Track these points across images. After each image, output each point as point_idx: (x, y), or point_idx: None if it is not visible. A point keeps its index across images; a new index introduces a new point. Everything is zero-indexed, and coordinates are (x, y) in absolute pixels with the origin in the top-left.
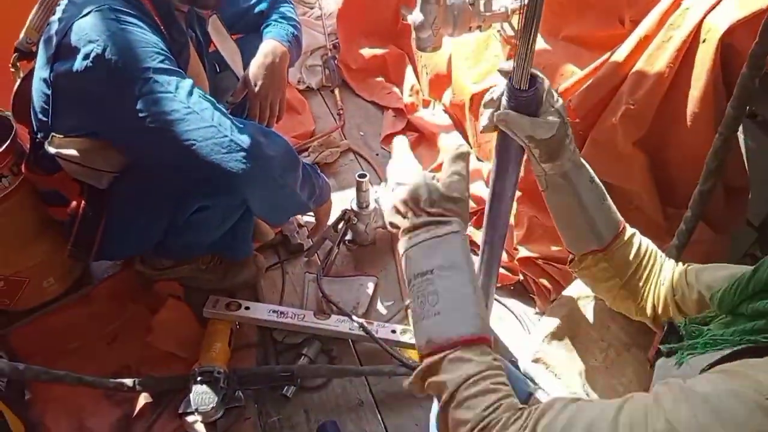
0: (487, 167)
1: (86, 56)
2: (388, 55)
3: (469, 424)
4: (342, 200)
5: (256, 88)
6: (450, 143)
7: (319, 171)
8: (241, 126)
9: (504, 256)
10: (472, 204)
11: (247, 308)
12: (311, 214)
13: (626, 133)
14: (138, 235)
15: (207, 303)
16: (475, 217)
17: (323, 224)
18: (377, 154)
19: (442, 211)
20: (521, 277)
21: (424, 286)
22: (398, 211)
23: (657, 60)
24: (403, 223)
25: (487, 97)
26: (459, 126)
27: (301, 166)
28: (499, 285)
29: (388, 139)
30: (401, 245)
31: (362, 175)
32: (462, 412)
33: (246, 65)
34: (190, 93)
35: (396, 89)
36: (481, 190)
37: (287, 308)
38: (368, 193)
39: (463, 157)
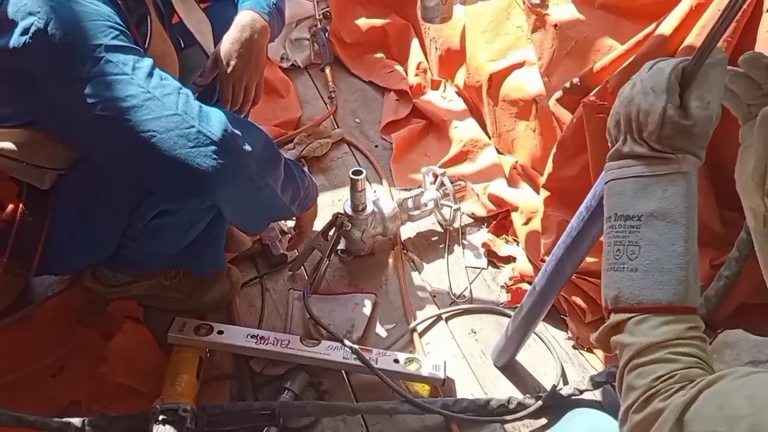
0: (509, 161)
1: (25, 31)
2: (389, 26)
3: (637, 392)
4: (334, 202)
5: (229, 68)
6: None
7: (304, 169)
8: (212, 114)
9: (529, 269)
10: (491, 206)
11: (219, 332)
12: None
13: None
14: (88, 244)
15: (171, 326)
16: (494, 223)
17: (306, 234)
18: (376, 146)
19: (670, 149)
20: None
21: (625, 234)
22: (613, 126)
23: None
24: (617, 143)
25: None
26: (475, 112)
27: (283, 163)
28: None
29: (390, 127)
30: (608, 169)
31: (358, 172)
32: (634, 378)
33: (217, 40)
34: (150, 75)
35: (399, 68)
36: (501, 189)
37: (268, 332)
38: (365, 193)
39: (719, 66)
